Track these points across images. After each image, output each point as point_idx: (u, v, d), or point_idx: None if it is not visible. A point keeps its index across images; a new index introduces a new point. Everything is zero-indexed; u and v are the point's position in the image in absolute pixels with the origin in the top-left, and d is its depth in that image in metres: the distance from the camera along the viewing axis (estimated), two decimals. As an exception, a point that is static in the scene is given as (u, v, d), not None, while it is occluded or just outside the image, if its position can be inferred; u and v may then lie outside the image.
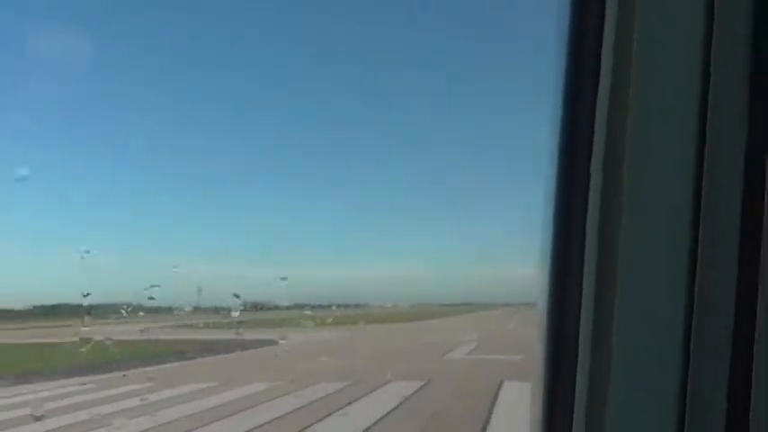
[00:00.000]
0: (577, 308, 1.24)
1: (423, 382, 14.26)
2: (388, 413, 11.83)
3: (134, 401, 12.07)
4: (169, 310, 23.26)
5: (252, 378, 14.47)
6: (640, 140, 1.14)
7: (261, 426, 10.71)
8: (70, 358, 13.91)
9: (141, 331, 17.86)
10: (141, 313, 23.44)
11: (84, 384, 13.49)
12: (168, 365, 15.63)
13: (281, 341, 22.60)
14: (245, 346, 20.13)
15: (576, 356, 1.25)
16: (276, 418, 11.10)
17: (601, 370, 1.19)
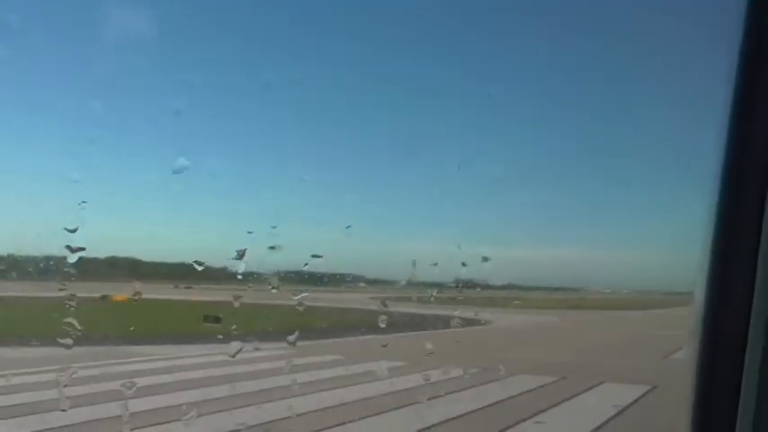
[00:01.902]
0: (745, 304, 1.18)
1: (645, 388, 11.76)
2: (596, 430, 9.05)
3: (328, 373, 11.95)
4: (387, 282, 24.30)
5: (445, 360, 13.41)
6: None
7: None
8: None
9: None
10: (362, 284, 24.97)
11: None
12: (364, 337, 15.90)
13: (487, 321, 22.22)
14: (450, 323, 20.04)
15: (742, 360, 1.17)
16: (455, 418, 9.41)
17: None
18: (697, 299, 1.29)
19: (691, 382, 1.29)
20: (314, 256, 5.75)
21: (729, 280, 1.24)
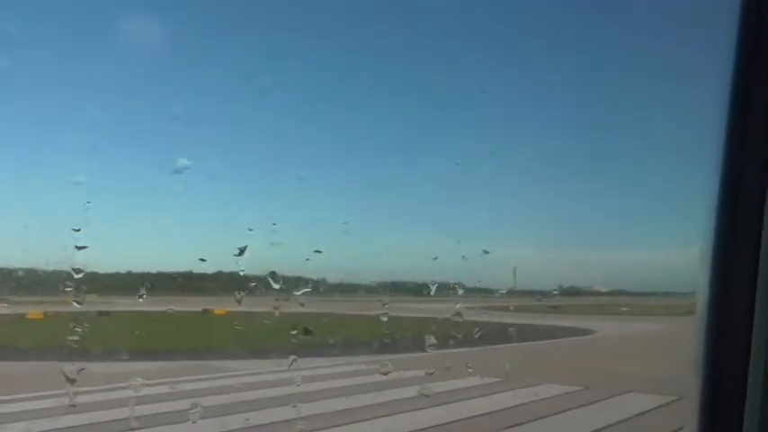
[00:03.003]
0: (748, 305, 1.19)
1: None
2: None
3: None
4: (486, 291, 23.80)
5: (545, 375, 12.19)
6: None
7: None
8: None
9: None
10: (461, 292, 24.78)
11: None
12: (457, 350, 14.93)
13: (592, 331, 21.06)
14: (552, 333, 19.05)
15: (747, 362, 1.18)
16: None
17: None
18: (700, 298, 1.30)
19: (696, 383, 1.28)
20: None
21: (732, 279, 1.25)
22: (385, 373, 8.62)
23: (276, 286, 5.17)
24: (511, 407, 9.22)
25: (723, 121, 1.29)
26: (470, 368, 9.99)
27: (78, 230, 4.64)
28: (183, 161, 5.17)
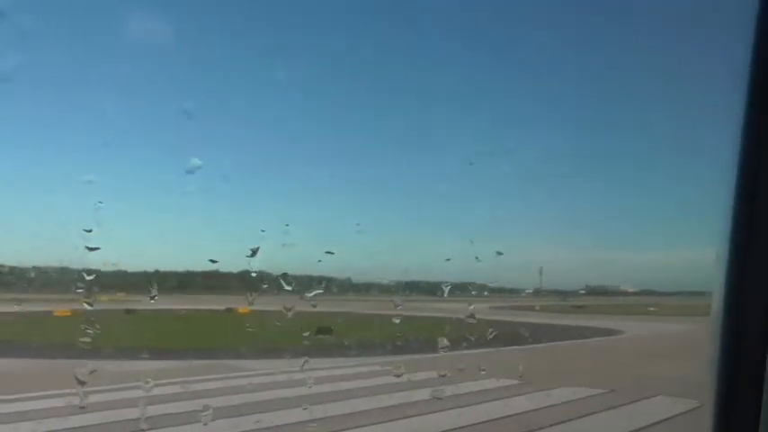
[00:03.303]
0: (764, 304, 1.20)
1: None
2: None
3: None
4: (512, 291, 23.58)
5: (571, 377, 11.48)
6: None
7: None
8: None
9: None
10: (486, 293, 24.62)
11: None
12: (477, 351, 14.46)
13: (619, 331, 20.63)
14: (577, 333, 18.69)
15: (763, 362, 1.17)
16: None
17: None
18: (716, 298, 1.29)
19: (712, 382, 1.28)
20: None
21: (747, 279, 1.24)
22: (398, 375, 8.49)
23: (288, 288, 5.12)
24: (526, 411, 8.90)
25: (740, 121, 1.29)
26: (486, 370, 9.66)
27: (90, 231, 4.63)
28: (195, 161, 5.13)
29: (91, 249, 4.42)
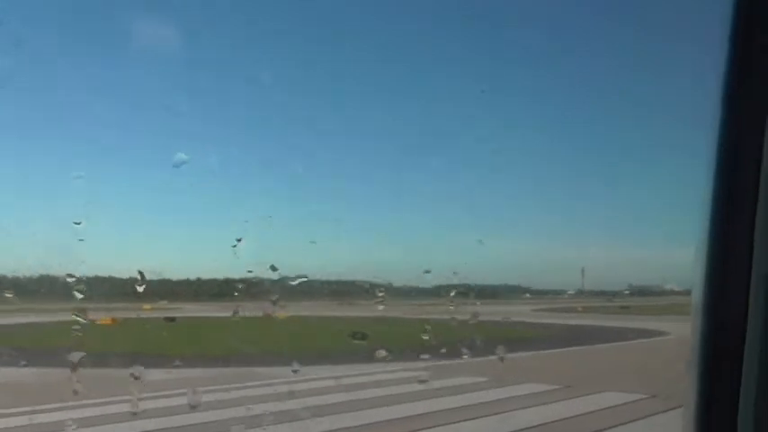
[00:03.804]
0: (742, 304, 1.19)
1: None
2: None
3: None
4: (554, 292, 23.17)
5: (606, 382, 10.89)
6: None
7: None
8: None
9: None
10: (527, 295, 24.15)
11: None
12: (516, 354, 14.12)
13: (664, 332, 20.04)
14: (619, 335, 18.19)
15: (741, 359, 1.18)
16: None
17: None
18: (695, 297, 1.29)
19: (691, 382, 1.27)
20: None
21: (726, 277, 1.24)
22: (427, 380, 8.43)
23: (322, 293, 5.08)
24: (566, 417, 8.70)
25: (717, 120, 1.28)
26: (528, 374, 9.53)
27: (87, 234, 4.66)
28: (181, 155, 5.14)
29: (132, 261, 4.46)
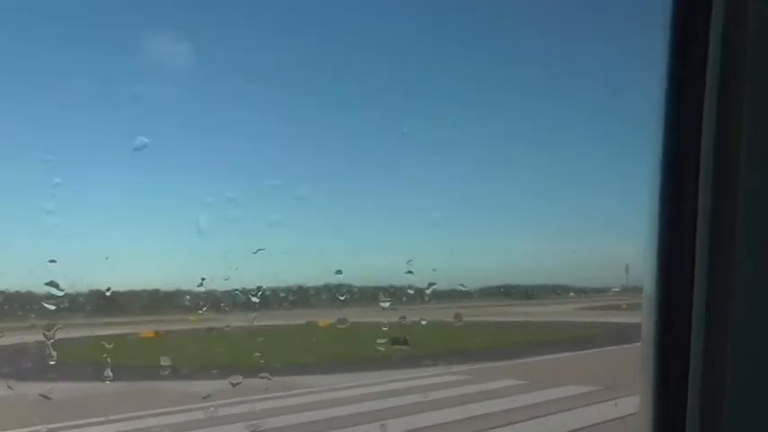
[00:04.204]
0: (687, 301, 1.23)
1: None
2: None
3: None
4: (598, 290, 22.70)
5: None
6: (754, 137, 1.15)
7: None
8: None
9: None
10: (571, 294, 23.72)
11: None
12: (550, 356, 13.65)
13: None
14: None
15: (688, 355, 1.21)
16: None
17: (715, 373, 1.16)
18: (646, 296, 1.32)
19: (644, 381, 1.31)
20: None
21: (671, 276, 1.28)
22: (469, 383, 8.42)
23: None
24: (606, 420, 8.46)
25: (662, 117, 1.31)
26: (567, 376, 9.39)
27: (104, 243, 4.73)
28: (142, 139, 5.06)
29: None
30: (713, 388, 1.19)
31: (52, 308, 4.51)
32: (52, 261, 4.88)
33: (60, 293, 4.76)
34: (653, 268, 1.29)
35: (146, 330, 12.59)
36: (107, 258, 6.27)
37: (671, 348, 1.27)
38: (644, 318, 1.32)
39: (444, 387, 10.72)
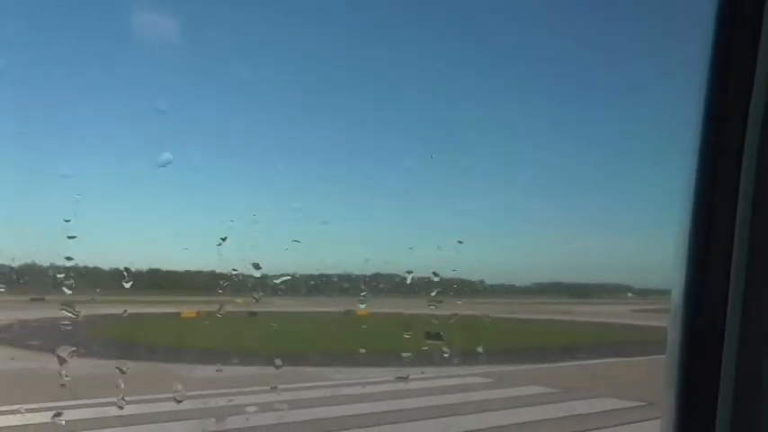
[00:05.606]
0: (721, 309, 1.19)
1: None
2: None
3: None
4: (659, 292, 21.91)
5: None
6: None
7: None
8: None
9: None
10: (629, 294, 23.01)
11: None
12: (592, 362, 13.09)
13: None
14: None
15: (720, 363, 1.18)
16: None
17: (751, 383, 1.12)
18: (675, 298, 1.27)
19: (670, 382, 1.25)
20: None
21: (705, 278, 1.23)
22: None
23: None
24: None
25: (699, 123, 1.27)
26: (608, 385, 9.00)
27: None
28: (166, 155, 5.26)
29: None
30: (746, 411, 1.14)
31: (127, 285, 5.67)
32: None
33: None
34: (683, 278, 1.24)
35: (188, 310, 12.71)
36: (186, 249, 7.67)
37: (699, 363, 1.22)
38: (670, 328, 1.26)
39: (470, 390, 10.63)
